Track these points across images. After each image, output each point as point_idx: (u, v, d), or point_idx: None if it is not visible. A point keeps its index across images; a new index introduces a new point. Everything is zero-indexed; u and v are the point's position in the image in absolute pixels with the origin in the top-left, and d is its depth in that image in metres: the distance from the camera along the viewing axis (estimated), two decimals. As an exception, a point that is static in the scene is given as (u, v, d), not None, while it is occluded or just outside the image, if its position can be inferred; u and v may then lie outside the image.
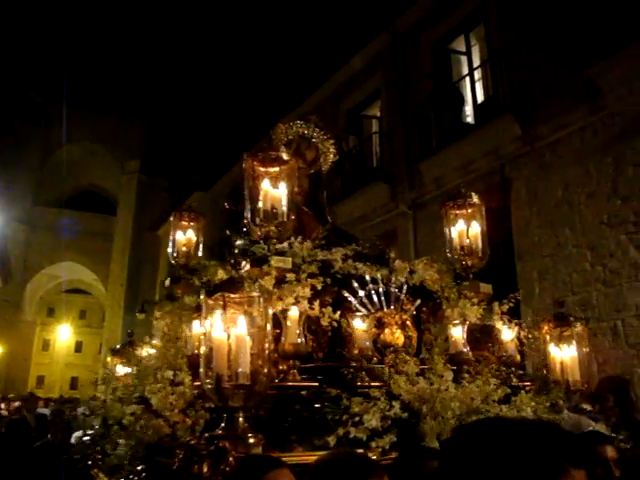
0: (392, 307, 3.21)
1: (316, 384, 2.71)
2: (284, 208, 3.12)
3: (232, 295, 2.28)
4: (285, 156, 3.22)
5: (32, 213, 28.53)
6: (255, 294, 2.29)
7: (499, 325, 3.38)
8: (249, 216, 3.15)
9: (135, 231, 26.19)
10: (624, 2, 7.83)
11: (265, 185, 3.14)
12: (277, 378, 2.73)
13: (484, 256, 3.54)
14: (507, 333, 3.36)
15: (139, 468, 2.58)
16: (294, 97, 14.03)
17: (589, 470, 2.03)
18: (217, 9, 34.43)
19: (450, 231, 3.64)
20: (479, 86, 10.78)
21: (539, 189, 9.14)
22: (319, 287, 2.91)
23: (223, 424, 2.23)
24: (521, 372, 3.29)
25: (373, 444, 2.35)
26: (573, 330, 3.22)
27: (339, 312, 2.98)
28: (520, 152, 9.46)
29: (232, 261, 2.67)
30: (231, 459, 2.06)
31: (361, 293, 3.17)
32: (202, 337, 2.37)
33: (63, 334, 40.99)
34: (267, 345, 2.29)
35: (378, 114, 13.34)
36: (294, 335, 2.82)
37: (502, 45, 9.82)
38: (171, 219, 4.28)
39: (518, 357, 3.36)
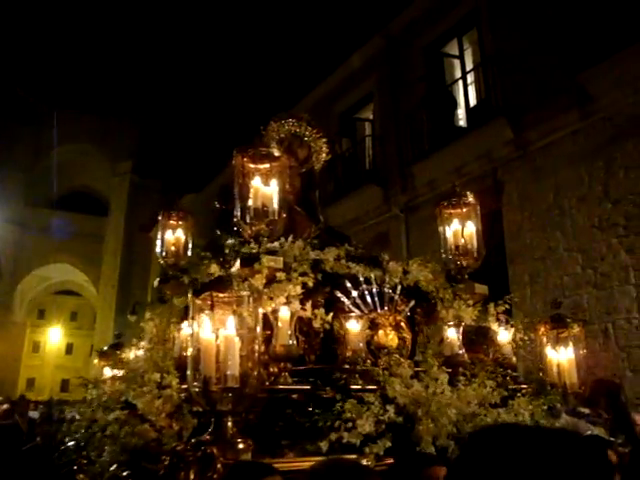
0: (386, 308, 3.12)
1: (308, 387, 2.61)
2: (275, 206, 3.02)
3: (220, 294, 2.18)
4: (276, 152, 3.12)
5: (23, 214, 28.23)
6: (244, 293, 2.19)
7: (495, 327, 3.30)
8: (239, 214, 3.05)
9: (127, 232, 25.99)
10: (615, 8, 7.83)
11: (256, 182, 3.04)
12: (267, 381, 2.63)
13: (479, 256, 3.46)
14: (503, 335, 3.29)
15: (124, 474, 2.47)
16: (287, 99, 13.98)
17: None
18: (211, 12, 34.37)
19: (445, 231, 3.55)
20: (472, 90, 10.75)
21: (531, 192, 9.12)
22: (310, 284, 2.81)
23: (211, 429, 2.12)
24: (515, 374, 3.20)
25: (367, 450, 2.25)
26: (570, 332, 3.15)
27: (332, 314, 2.87)
28: (512, 156, 9.45)
29: (221, 259, 2.57)
30: (219, 466, 1.95)
31: (354, 293, 3.07)
32: (189, 338, 2.26)
33: (54, 336, 40.61)
34: (257, 347, 2.19)
35: (371, 117, 13.29)
36: (285, 336, 2.72)
37: (495, 49, 9.80)
38: (159, 218, 4.16)
39: (514, 359, 3.29)
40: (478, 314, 3.16)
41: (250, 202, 3.02)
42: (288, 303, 2.71)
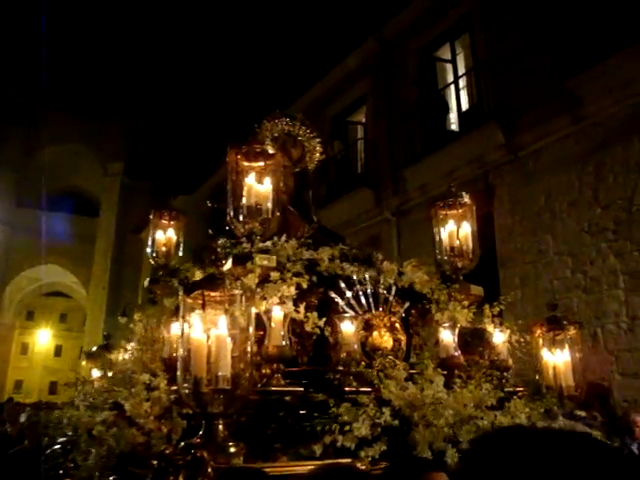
0: (380, 309, 3.05)
1: (301, 389, 2.53)
2: (269, 204, 2.95)
3: (212, 293, 2.10)
4: (270, 150, 3.05)
5: (13, 214, 27.92)
6: (237, 292, 2.11)
7: (490, 328, 3.24)
8: (232, 212, 2.97)
9: (118, 234, 25.78)
10: (605, 14, 7.85)
11: (249, 180, 2.97)
12: (259, 383, 2.55)
13: (475, 257, 3.41)
14: (499, 337, 3.23)
15: (111, 479, 2.38)
16: (280, 102, 13.88)
17: None
18: (203, 13, 34.26)
19: (439, 232, 3.49)
20: (464, 94, 10.75)
21: (522, 197, 9.13)
22: (305, 286, 2.74)
23: (201, 432, 2.04)
24: (508, 376, 3.14)
25: (362, 453, 2.17)
26: (566, 334, 3.10)
27: (325, 317, 2.79)
28: (503, 160, 9.45)
29: (213, 257, 2.49)
30: (210, 470, 1.87)
31: (348, 294, 3.00)
32: (180, 338, 2.18)
33: (42, 338, 40.18)
34: (249, 347, 2.11)
35: (363, 120, 13.26)
36: (278, 337, 2.64)
37: (487, 54, 9.81)
38: (151, 217, 4.07)
39: (510, 361, 3.23)
40: (473, 316, 3.10)
41: (243, 200, 2.95)
42: (281, 303, 2.64)
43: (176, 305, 3.33)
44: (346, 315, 2.87)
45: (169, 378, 2.54)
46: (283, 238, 3.01)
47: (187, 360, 2.08)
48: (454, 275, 3.30)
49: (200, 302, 2.11)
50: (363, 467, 2.09)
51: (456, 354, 2.90)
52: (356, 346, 2.78)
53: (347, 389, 2.54)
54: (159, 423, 2.32)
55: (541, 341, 3.14)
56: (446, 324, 2.93)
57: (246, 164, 3.01)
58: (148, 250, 3.99)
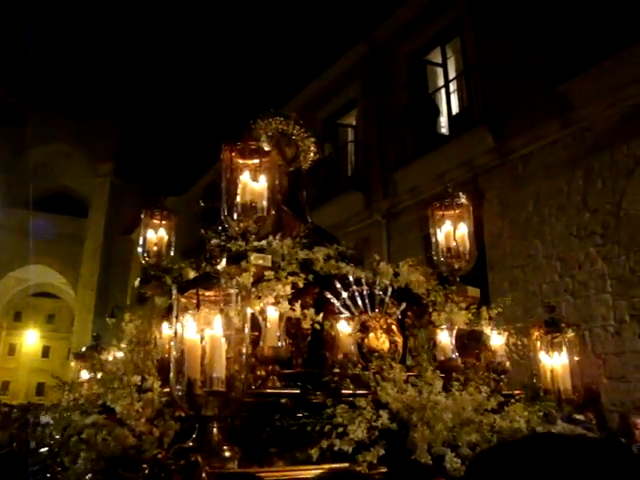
0: (377, 310, 2.99)
1: (298, 391, 2.46)
2: (264, 202, 2.87)
3: (207, 293, 2.02)
4: (266, 147, 2.97)
5: (1, 214, 27.55)
6: (232, 291, 2.03)
7: (487, 331, 3.19)
8: (226, 210, 2.89)
9: (107, 234, 25.52)
10: (595, 21, 7.87)
11: (244, 178, 2.89)
12: (254, 384, 2.47)
13: (471, 259, 3.35)
14: (496, 339, 3.18)
15: (100, 483, 2.29)
16: (270, 103, 13.80)
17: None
18: (193, 15, 34.10)
19: (436, 232, 3.43)
20: (454, 98, 10.74)
21: (511, 200, 9.13)
22: (301, 285, 2.67)
23: (195, 435, 1.95)
24: (505, 379, 3.08)
25: (360, 457, 2.10)
26: (564, 336, 3.05)
27: (322, 315, 2.72)
28: (493, 164, 9.45)
29: (207, 256, 2.41)
30: (204, 475, 1.78)
31: (344, 294, 2.93)
32: (173, 339, 2.09)
33: (30, 338, 39.66)
34: (245, 348, 2.03)
35: (354, 123, 13.22)
36: (274, 338, 2.56)
37: (477, 58, 9.80)
38: (142, 217, 3.98)
39: (508, 364, 3.17)
40: (472, 317, 3.05)
41: (238, 198, 2.87)
42: (277, 303, 2.56)
43: (168, 305, 3.25)
44: (343, 316, 2.80)
45: (161, 380, 2.46)
46: (278, 237, 2.93)
47: (180, 361, 2.00)
48: (451, 276, 3.24)
49: (194, 302, 2.04)
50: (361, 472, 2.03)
51: (454, 356, 2.84)
52: (353, 348, 2.71)
53: (344, 392, 2.47)
54: (151, 426, 2.23)
55: (538, 344, 3.09)
56: (444, 326, 2.87)
57: (241, 161, 2.94)
58: (139, 250, 3.89)
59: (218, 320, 2.01)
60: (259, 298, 2.53)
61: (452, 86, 10.81)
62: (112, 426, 2.26)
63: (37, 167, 27.39)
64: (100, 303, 23.99)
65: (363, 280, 3.01)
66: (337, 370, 2.61)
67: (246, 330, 2.08)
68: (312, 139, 4.02)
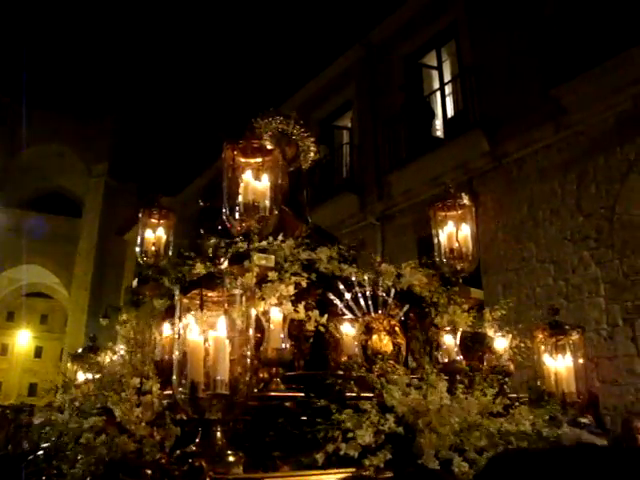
0: (380, 312, 2.93)
1: (302, 394, 2.39)
2: (266, 202, 2.81)
3: (211, 293, 1.96)
4: (269, 146, 2.91)
5: (-5, 213, 27.31)
6: (237, 292, 1.97)
7: (491, 333, 3.14)
8: (227, 210, 2.82)
9: (101, 235, 25.31)
10: (589, 25, 7.87)
11: (246, 176, 2.83)
12: (257, 387, 2.40)
13: (474, 260, 3.31)
14: (500, 342, 3.13)
15: (100, 488, 2.21)
16: (266, 105, 13.72)
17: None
18: (188, 16, 33.98)
19: (438, 233, 3.38)
20: (449, 101, 10.73)
21: (505, 204, 9.11)
22: (304, 284, 2.61)
23: (198, 439, 1.88)
24: (508, 382, 3.04)
25: (367, 462, 2.04)
26: (569, 339, 3.00)
27: (326, 315, 2.66)
28: (488, 167, 9.44)
29: (210, 255, 2.34)
30: (208, 480, 1.72)
31: (347, 296, 2.88)
32: (175, 340, 2.03)
33: (22, 339, 39.28)
34: (249, 350, 1.97)
35: (349, 125, 13.18)
36: (277, 340, 2.49)
37: (473, 62, 9.79)
38: (139, 216, 3.90)
39: (512, 367, 3.13)
40: (474, 320, 3.00)
41: (240, 198, 2.81)
42: (280, 304, 2.50)
43: (167, 306, 3.18)
44: (347, 317, 2.75)
45: (161, 382, 2.39)
46: (279, 237, 2.87)
47: (183, 363, 1.93)
48: (454, 278, 3.19)
49: (197, 302, 1.97)
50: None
51: (458, 358, 2.79)
52: (357, 350, 2.65)
53: (349, 394, 2.42)
54: (151, 429, 2.16)
55: (542, 346, 3.05)
56: (448, 328, 2.81)
57: (243, 160, 2.87)
58: (137, 249, 3.81)
59: (222, 321, 1.95)
60: (262, 299, 2.47)
61: (447, 89, 10.80)
62: (111, 430, 2.19)
63: (31, 167, 27.14)
64: (94, 303, 23.80)
65: (366, 281, 2.95)
66: (341, 372, 2.55)
67: (250, 332, 2.01)
68: (312, 139, 3.96)
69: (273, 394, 2.41)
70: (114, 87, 37.85)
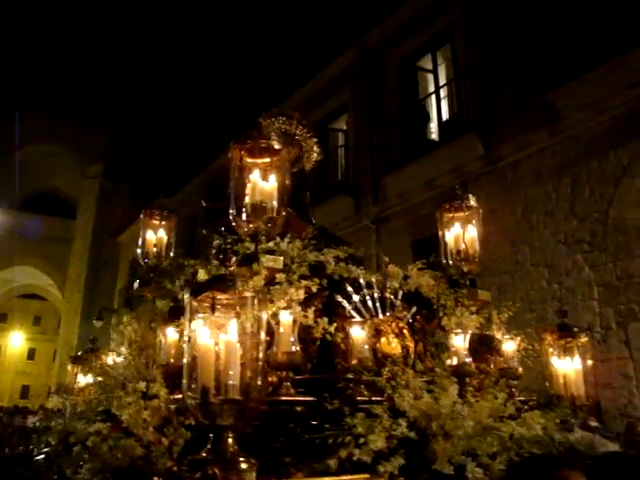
0: (388, 314, 2.87)
1: (313, 398, 2.32)
2: (274, 202, 2.74)
3: (222, 295, 1.89)
4: (276, 145, 2.84)
5: (-12, 214, 26.98)
6: (248, 294, 1.91)
7: (499, 335, 3.09)
8: (235, 211, 2.75)
9: (95, 236, 25.07)
10: (584, 30, 7.88)
11: (254, 177, 2.76)
12: (266, 392, 2.32)
13: (481, 261, 3.26)
14: (508, 344, 3.07)
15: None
16: (261, 107, 13.64)
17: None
18: (184, 14, 33.78)
19: (444, 235, 3.33)
20: (444, 104, 10.72)
21: (500, 207, 9.08)
22: (314, 289, 2.55)
23: (209, 445, 1.81)
24: (516, 384, 2.98)
25: (381, 468, 1.98)
26: (577, 341, 2.96)
27: (335, 323, 2.59)
28: (482, 170, 9.41)
29: (220, 256, 2.28)
30: (222, 488, 1.65)
31: (355, 298, 2.82)
32: (185, 344, 1.96)
33: (15, 340, 38.83)
34: (261, 354, 1.90)
35: (345, 128, 13.13)
36: (288, 343, 2.43)
37: (468, 65, 9.78)
38: (141, 217, 3.82)
39: (520, 370, 3.08)
40: (482, 322, 2.94)
41: (247, 198, 2.74)
42: (289, 307, 2.44)
43: (169, 308, 3.12)
44: (356, 320, 2.69)
45: (167, 386, 2.31)
46: (287, 239, 2.81)
47: (193, 367, 1.87)
48: (461, 280, 3.14)
49: (206, 305, 1.91)
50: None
51: (467, 361, 2.73)
52: (368, 353, 2.59)
53: (359, 398, 2.35)
54: (159, 435, 2.09)
55: (551, 349, 3.00)
56: (458, 330, 2.76)
57: (250, 160, 2.81)
58: (138, 251, 3.73)
59: (233, 324, 1.89)
60: (272, 302, 2.40)
61: (442, 92, 10.79)
62: (118, 435, 2.11)
63: (25, 168, 26.84)
64: (87, 305, 23.56)
65: (374, 283, 2.89)
66: (351, 376, 2.49)
67: (262, 335, 1.95)
68: (315, 139, 3.90)
69: (284, 398, 2.35)
70: (109, 88, 37.56)
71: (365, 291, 2.87)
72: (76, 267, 25.11)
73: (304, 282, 2.51)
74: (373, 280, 2.91)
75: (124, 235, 23.27)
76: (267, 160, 2.82)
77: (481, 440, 2.06)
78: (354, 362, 2.56)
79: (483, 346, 3.00)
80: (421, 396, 2.19)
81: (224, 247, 2.62)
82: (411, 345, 2.87)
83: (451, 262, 3.21)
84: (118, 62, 38.00)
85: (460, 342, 2.76)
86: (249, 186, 2.74)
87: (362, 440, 2.03)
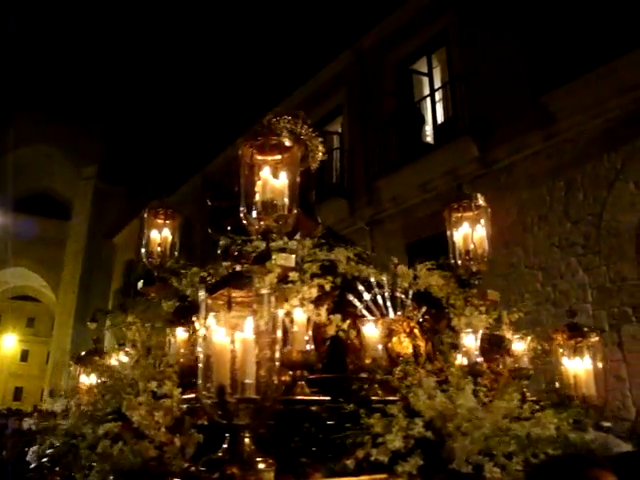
0: (399, 313, 2.83)
1: (329, 398, 2.28)
2: (285, 200, 2.69)
3: (238, 293, 1.84)
4: (287, 142, 2.80)
5: (-19, 215, 26.65)
6: (265, 291, 1.86)
7: (509, 335, 3.06)
8: (245, 209, 2.69)
9: (89, 238, 24.83)
10: (579, 33, 7.90)
11: (264, 174, 2.71)
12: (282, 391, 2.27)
13: (489, 261, 3.22)
14: (518, 344, 3.04)
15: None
16: (256, 110, 13.58)
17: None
18: (178, 17, 33.66)
19: (452, 235, 3.29)
20: (439, 107, 10.71)
21: (494, 210, 9.02)
22: (327, 288, 2.50)
23: (225, 445, 1.76)
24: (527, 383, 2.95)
25: (399, 468, 1.94)
26: (588, 341, 2.93)
27: (348, 320, 2.55)
28: (477, 173, 9.39)
29: (236, 254, 2.21)
30: (242, 489, 1.60)
31: (366, 297, 2.77)
32: (201, 342, 1.90)
33: (8, 342, 38.38)
34: (277, 353, 1.85)
35: (340, 130, 13.09)
36: (302, 341, 2.38)
37: (463, 68, 9.78)
38: (145, 216, 3.76)
39: (532, 370, 3.04)
40: (492, 322, 2.91)
41: (257, 196, 2.69)
42: (302, 306, 2.39)
43: (176, 307, 3.06)
44: (370, 319, 2.64)
45: (178, 386, 2.25)
46: (296, 237, 2.76)
47: (208, 367, 1.81)
48: (471, 279, 3.10)
49: (220, 303, 1.86)
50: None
51: (479, 360, 2.70)
52: (381, 352, 2.54)
53: (374, 398, 2.31)
54: (171, 436, 2.03)
55: (561, 349, 2.97)
56: (469, 329, 2.72)
57: (260, 158, 2.76)
58: (142, 250, 3.67)
59: (250, 322, 1.83)
60: (285, 300, 2.35)
61: (437, 95, 10.78)
62: (128, 436, 2.05)
63: (20, 168, 26.57)
64: (81, 307, 23.32)
65: (385, 282, 2.85)
66: (365, 375, 2.45)
67: (278, 333, 1.90)
68: (320, 139, 3.86)
69: (299, 398, 2.29)
70: (105, 89, 37.30)
71: (376, 290, 2.83)
72: (70, 269, 24.87)
73: (317, 280, 2.46)
74: (383, 279, 2.87)
75: (119, 236, 23.10)
76: (278, 157, 2.77)
77: (499, 440, 2.02)
78: (368, 361, 2.52)
79: (493, 346, 2.97)
80: (435, 396, 2.15)
81: (236, 246, 2.55)
82: (422, 345, 2.83)
83: (459, 262, 3.18)
84: (114, 64, 37.76)
85: (471, 342, 2.72)
86: (259, 184, 2.69)
87: (379, 440, 1.98)
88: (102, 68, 38.49)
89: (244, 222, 2.67)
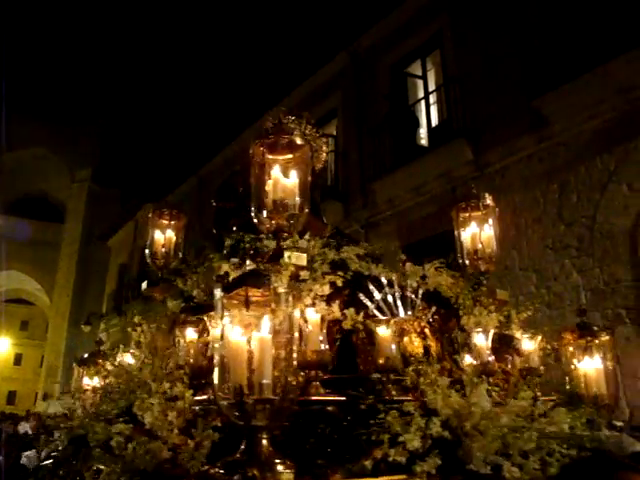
0: (410, 313, 2.79)
1: (344, 398, 2.23)
2: (296, 199, 2.65)
3: (255, 292, 1.79)
4: (299, 141, 2.75)
5: (-26, 218, 26.33)
6: (282, 290, 1.81)
7: (518, 335, 3.03)
8: (255, 208, 2.65)
9: (83, 241, 24.62)
10: (572, 36, 7.92)
11: (275, 173, 2.66)
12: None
13: (498, 261, 3.19)
14: (528, 344, 3.01)
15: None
16: (252, 112, 13.53)
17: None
18: (172, 18, 33.55)
19: (460, 234, 3.26)
20: (434, 110, 10.71)
21: (489, 212, 9.06)
22: (339, 283, 2.46)
23: (242, 447, 1.71)
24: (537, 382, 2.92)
25: (418, 468, 1.89)
26: (599, 340, 2.91)
27: (362, 315, 2.51)
28: (471, 176, 9.39)
29: (251, 252, 2.16)
30: (260, 491, 1.55)
31: (377, 296, 2.73)
32: (217, 342, 1.85)
33: (2, 346, 37.88)
34: (294, 352, 1.80)
35: (334, 133, 13.06)
36: (316, 341, 2.33)
37: (457, 71, 9.79)
38: (149, 216, 3.70)
39: (542, 369, 3.02)
40: (502, 320, 2.88)
41: (269, 195, 2.64)
42: (314, 305, 2.35)
43: (182, 308, 3.00)
44: (383, 318, 2.60)
45: (189, 387, 2.20)
46: (306, 237, 2.72)
47: (224, 367, 1.76)
48: (481, 279, 3.07)
49: (236, 302, 1.81)
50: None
51: (490, 360, 2.66)
52: (395, 351, 2.50)
53: (389, 398, 2.26)
54: (185, 437, 1.97)
55: (571, 348, 2.94)
56: (479, 329, 2.69)
57: (271, 157, 2.71)
58: (146, 251, 3.61)
59: (266, 321, 1.79)
60: (299, 299, 2.30)
61: (432, 98, 10.78)
62: (140, 437, 1.99)
63: (13, 171, 26.29)
64: (75, 310, 23.11)
65: (395, 282, 2.81)
66: (377, 376, 2.40)
67: (296, 333, 1.85)
68: (324, 139, 3.82)
69: (315, 398, 2.25)
70: (99, 92, 37.11)
71: (387, 289, 2.79)
72: (64, 271, 24.63)
73: (328, 277, 2.42)
74: (394, 278, 2.83)
75: (113, 239, 22.95)
76: (289, 156, 2.73)
77: (517, 438, 1.98)
78: (381, 361, 2.48)
79: (503, 345, 2.94)
80: (449, 395, 2.12)
81: (244, 244, 2.51)
82: (432, 344, 2.79)
83: (467, 262, 3.15)
84: (108, 66, 37.59)
85: (482, 341, 2.69)
86: (270, 183, 2.64)
87: (398, 439, 1.94)
88: (96, 71, 38.32)
89: (255, 221, 2.62)
